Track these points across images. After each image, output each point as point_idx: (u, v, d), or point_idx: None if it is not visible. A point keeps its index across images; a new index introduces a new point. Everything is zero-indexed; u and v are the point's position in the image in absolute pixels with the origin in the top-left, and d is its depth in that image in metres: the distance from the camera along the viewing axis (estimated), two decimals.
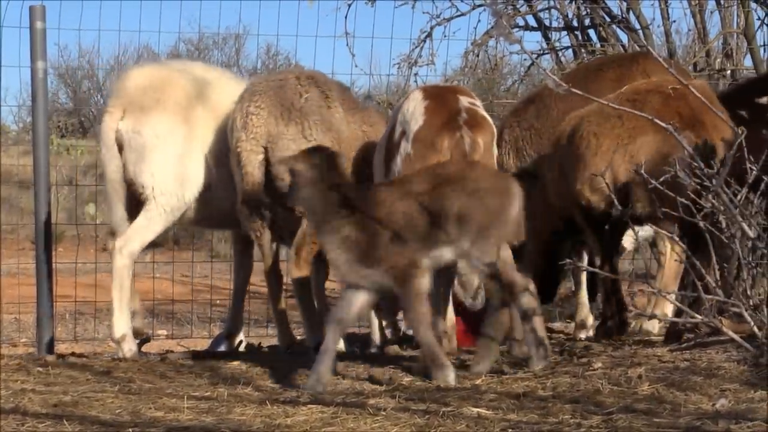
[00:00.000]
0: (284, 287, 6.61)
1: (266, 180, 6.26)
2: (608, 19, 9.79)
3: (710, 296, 5.45)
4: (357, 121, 6.50)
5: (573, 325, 7.77)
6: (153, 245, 7.29)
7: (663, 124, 5.78)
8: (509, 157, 6.91)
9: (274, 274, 6.47)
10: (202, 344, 7.98)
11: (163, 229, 6.79)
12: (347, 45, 9.44)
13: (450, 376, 5.31)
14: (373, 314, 6.89)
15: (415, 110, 5.88)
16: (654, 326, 6.87)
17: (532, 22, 10.08)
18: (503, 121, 7.14)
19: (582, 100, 6.60)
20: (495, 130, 6.09)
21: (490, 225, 5.29)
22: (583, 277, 7.22)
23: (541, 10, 10.01)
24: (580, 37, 9.98)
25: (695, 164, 5.53)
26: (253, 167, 6.23)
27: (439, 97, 5.96)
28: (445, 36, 9.84)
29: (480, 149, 5.82)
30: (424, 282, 5.26)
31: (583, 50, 9.86)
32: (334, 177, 5.22)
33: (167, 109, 6.65)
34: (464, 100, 5.95)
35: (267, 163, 6.24)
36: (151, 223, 6.66)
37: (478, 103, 6.11)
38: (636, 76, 6.63)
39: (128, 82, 6.77)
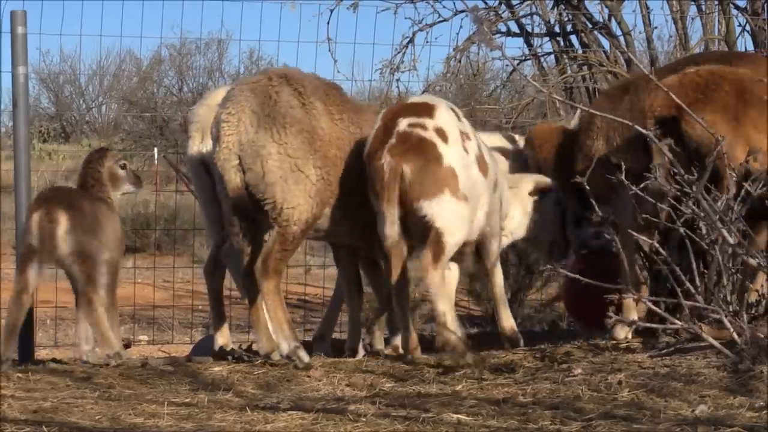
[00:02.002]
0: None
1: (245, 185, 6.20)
2: (590, 26, 9.80)
3: (690, 302, 5.48)
4: (344, 120, 6.37)
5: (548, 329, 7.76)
6: (134, 250, 7.26)
7: (643, 131, 5.81)
8: (599, 143, 6.76)
9: (250, 281, 6.37)
10: (183, 350, 7.96)
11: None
12: (329, 50, 9.44)
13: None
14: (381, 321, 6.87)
15: (372, 130, 6.10)
16: (622, 332, 6.64)
17: (514, 28, 10.08)
18: (595, 106, 7.04)
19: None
20: (441, 150, 5.99)
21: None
22: None
23: (523, 16, 10.01)
24: (562, 43, 9.99)
25: (675, 170, 5.56)
26: (230, 174, 6.17)
27: (384, 121, 6.08)
28: (427, 42, 9.81)
29: (405, 175, 5.89)
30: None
31: (564, 56, 9.88)
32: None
33: None
34: (403, 123, 6.00)
35: (243, 168, 6.17)
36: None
37: (430, 122, 6.05)
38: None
39: (203, 106, 6.74)
